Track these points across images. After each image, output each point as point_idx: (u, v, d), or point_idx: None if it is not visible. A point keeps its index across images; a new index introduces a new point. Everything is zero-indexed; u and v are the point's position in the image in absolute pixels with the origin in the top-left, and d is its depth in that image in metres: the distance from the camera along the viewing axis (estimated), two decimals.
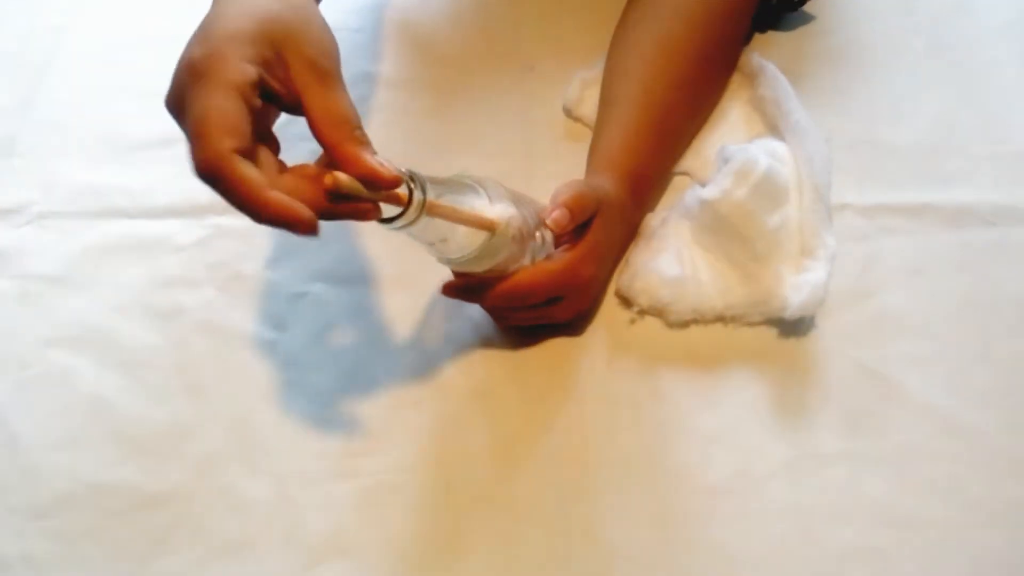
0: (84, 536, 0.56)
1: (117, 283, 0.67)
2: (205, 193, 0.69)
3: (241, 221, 0.68)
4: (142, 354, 0.63)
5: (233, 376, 0.62)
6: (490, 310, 0.60)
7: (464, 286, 0.57)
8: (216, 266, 0.67)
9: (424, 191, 0.46)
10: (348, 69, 0.77)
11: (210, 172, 0.42)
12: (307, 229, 0.43)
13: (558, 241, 0.58)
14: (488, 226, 0.51)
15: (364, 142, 0.45)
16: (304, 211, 0.43)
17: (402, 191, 0.46)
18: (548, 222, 0.55)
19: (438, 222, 0.48)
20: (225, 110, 0.42)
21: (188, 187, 0.70)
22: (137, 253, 0.68)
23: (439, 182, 0.49)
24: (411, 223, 0.46)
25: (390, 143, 0.73)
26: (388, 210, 0.46)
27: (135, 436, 0.60)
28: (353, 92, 0.75)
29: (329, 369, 0.62)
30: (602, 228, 0.58)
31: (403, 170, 0.46)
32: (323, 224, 0.68)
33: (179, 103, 0.44)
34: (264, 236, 0.68)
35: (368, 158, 0.44)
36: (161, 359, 0.63)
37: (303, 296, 0.65)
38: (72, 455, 0.59)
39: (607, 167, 0.63)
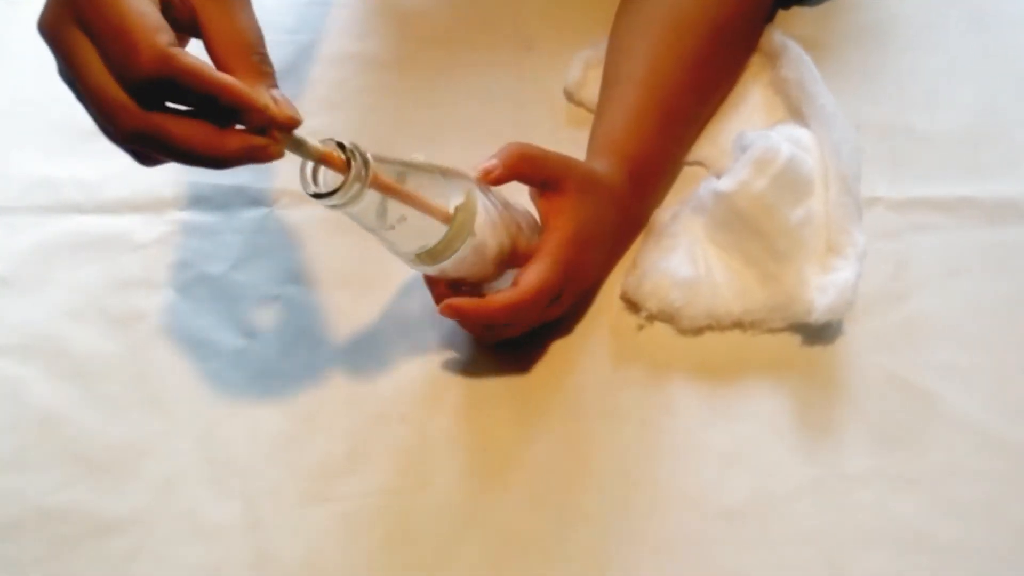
0: (34, 565, 0.57)
1: (69, 285, 0.67)
2: (167, 186, 0.71)
3: (206, 217, 0.69)
4: (97, 363, 0.63)
5: (198, 388, 0.62)
6: (479, 329, 0.60)
7: (463, 306, 0.56)
8: (178, 266, 0.67)
9: (367, 164, 0.46)
10: (328, 48, 0.79)
11: (158, 69, 0.41)
12: (285, 122, 0.44)
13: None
14: (442, 213, 0.51)
15: (263, 71, 0.45)
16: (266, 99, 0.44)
17: (340, 158, 0.46)
18: (473, 170, 0.55)
19: (388, 205, 0.48)
20: (145, 10, 0.42)
21: (148, 179, 0.72)
22: (91, 252, 0.69)
23: (395, 162, 0.49)
24: (351, 200, 0.46)
25: (374, 129, 0.74)
26: (328, 183, 0.47)
27: (90, 454, 0.60)
28: (334, 73, 0.77)
29: (303, 380, 0.62)
30: (585, 206, 0.59)
31: (345, 143, 0.46)
32: (298, 222, 0.69)
33: (64, 23, 0.43)
34: (231, 234, 0.69)
35: (261, 92, 0.44)
36: (118, 369, 0.63)
37: (275, 300, 0.66)
38: (20, 476, 0.60)
39: (605, 151, 0.63)
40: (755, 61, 0.72)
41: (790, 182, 0.60)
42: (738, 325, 0.62)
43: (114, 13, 0.42)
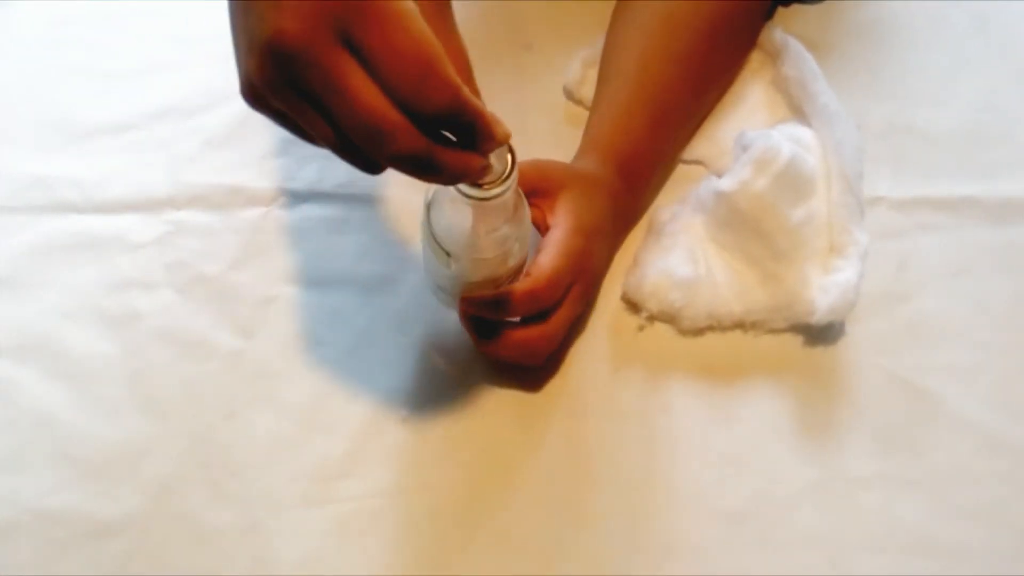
0: (28, 569, 0.57)
1: (65, 285, 0.67)
2: (163, 185, 0.71)
3: (204, 216, 0.70)
4: (92, 364, 0.64)
5: (195, 389, 0.62)
6: (522, 346, 0.58)
7: (485, 301, 0.56)
8: (175, 266, 0.68)
9: (515, 161, 0.49)
10: None
11: (451, 104, 0.42)
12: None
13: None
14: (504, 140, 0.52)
15: (477, 91, 0.47)
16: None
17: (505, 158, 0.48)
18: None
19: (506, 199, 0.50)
20: (433, 40, 0.42)
21: (145, 179, 0.72)
22: (87, 252, 0.69)
23: None
24: (502, 194, 0.48)
25: None
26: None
27: (85, 457, 0.60)
28: None
29: (302, 382, 0.62)
30: (579, 199, 0.59)
31: None
32: (297, 222, 0.69)
33: (325, 40, 0.41)
34: (229, 233, 0.69)
35: (489, 112, 0.45)
36: (114, 370, 0.63)
37: (273, 300, 0.66)
38: (13, 478, 0.60)
39: (593, 148, 0.64)
40: (756, 59, 0.72)
41: (791, 181, 0.60)
42: (739, 326, 0.62)
43: (406, 41, 0.41)
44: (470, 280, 0.56)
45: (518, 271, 0.57)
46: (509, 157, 0.49)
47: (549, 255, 0.57)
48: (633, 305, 0.63)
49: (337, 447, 0.60)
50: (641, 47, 0.67)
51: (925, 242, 0.65)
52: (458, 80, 0.42)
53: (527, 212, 0.55)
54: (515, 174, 0.49)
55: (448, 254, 0.54)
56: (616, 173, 0.63)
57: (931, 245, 0.65)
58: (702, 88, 0.69)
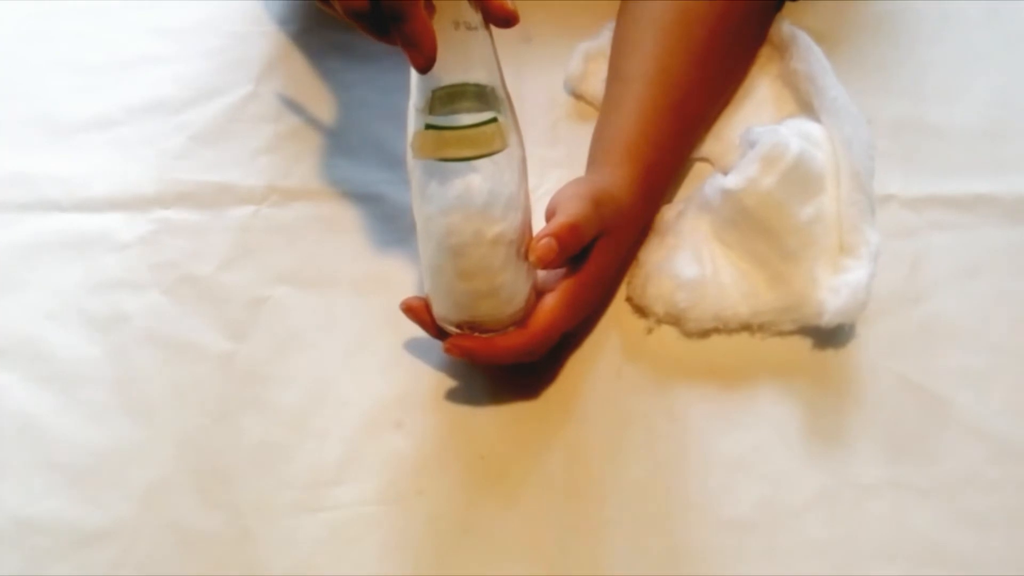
0: None
1: (49, 286, 0.67)
2: (150, 183, 0.71)
3: (192, 215, 0.70)
4: (78, 368, 0.64)
5: (183, 393, 0.62)
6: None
7: (471, 346, 0.58)
8: (163, 267, 0.68)
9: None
10: (315, 40, 0.79)
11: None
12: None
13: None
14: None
15: None
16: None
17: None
18: (531, 257, 0.56)
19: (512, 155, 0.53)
20: None
21: (130, 176, 0.72)
22: (72, 251, 0.69)
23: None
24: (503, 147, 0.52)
25: (365, 124, 0.74)
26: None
27: (71, 463, 0.60)
28: (322, 65, 0.77)
29: (294, 385, 0.62)
30: (608, 252, 0.60)
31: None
32: (288, 221, 0.69)
33: None
34: (219, 232, 0.69)
35: None
36: (100, 373, 0.63)
37: (264, 301, 0.66)
38: None
39: (620, 159, 0.63)
40: (763, 53, 0.73)
41: (800, 179, 0.60)
42: (746, 328, 0.62)
43: None
44: (454, 240, 0.55)
45: (518, 236, 0.56)
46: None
47: (552, 312, 0.58)
48: (638, 307, 0.63)
49: (330, 453, 0.60)
50: (657, 47, 0.66)
51: (938, 241, 0.65)
52: None
53: (514, 164, 0.55)
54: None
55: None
56: (642, 189, 0.62)
57: (944, 244, 0.65)
58: (720, 89, 0.69)
